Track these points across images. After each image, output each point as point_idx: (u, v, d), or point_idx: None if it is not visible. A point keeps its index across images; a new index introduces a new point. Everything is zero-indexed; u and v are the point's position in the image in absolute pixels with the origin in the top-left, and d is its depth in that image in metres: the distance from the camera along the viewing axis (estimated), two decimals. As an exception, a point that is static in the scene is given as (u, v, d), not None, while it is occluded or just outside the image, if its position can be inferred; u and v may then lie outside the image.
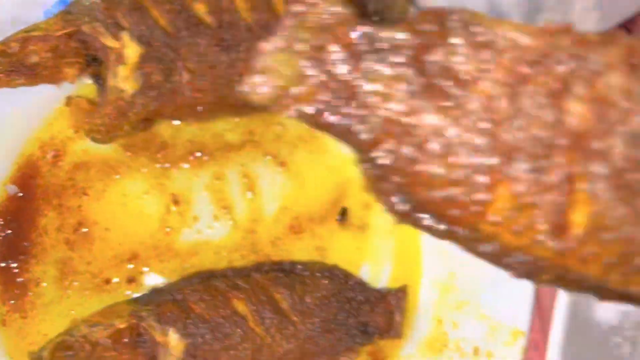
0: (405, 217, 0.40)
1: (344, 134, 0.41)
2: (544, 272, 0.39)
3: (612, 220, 0.37)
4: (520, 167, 0.38)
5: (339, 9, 0.41)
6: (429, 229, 0.40)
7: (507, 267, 0.40)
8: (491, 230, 0.39)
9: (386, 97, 0.40)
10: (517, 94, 0.38)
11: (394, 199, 0.40)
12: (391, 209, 0.40)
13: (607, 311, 0.57)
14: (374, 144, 0.40)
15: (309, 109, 0.40)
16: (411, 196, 0.40)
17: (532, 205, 0.38)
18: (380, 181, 0.40)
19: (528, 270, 0.39)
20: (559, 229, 0.38)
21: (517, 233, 0.39)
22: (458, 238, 0.40)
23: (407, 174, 0.40)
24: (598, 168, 0.37)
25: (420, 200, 0.40)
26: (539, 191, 0.38)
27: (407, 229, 0.65)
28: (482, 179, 0.38)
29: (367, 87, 0.40)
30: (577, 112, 0.37)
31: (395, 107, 0.39)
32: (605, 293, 0.40)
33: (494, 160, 0.38)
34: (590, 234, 0.37)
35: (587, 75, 0.37)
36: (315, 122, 0.40)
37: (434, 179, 0.39)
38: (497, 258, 0.40)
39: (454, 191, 0.39)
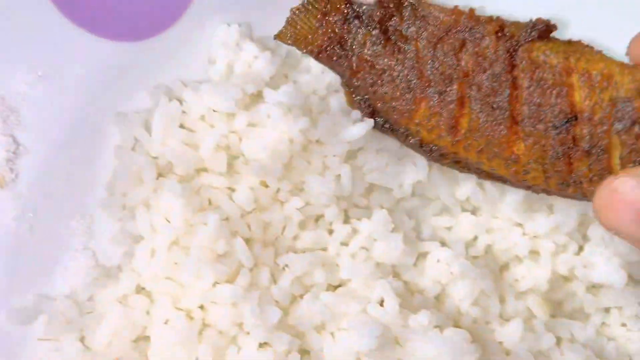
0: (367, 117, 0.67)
1: (336, 66, 0.68)
2: (446, 157, 0.65)
3: (480, 125, 0.63)
4: (433, 91, 0.64)
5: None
6: (380, 127, 0.67)
7: (425, 152, 0.66)
8: (415, 129, 0.65)
9: (361, 45, 0.66)
10: (435, 47, 0.64)
11: (361, 107, 0.67)
12: (361, 112, 0.68)
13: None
14: (354, 73, 0.67)
15: (317, 49, 0.67)
16: (371, 105, 0.67)
17: (439, 113, 0.64)
18: (354, 95, 0.68)
19: (437, 155, 0.66)
20: (453, 128, 0.64)
21: (429, 130, 0.65)
22: (397, 134, 0.67)
23: (369, 92, 0.67)
24: (475, 94, 0.62)
25: (376, 108, 0.67)
26: (443, 105, 0.64)
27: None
28: (410, 96, 0.65)
29: (351, 39, 0.67)
30: (466, 60, 0.63)
31: (366, 52, 0.66)
32: (481, 173, 0.66)
33: (418, 86, 0.64)
34: (469, 132, 0.63)
35: (474, 39, 0.62)
36: (319, 57, 0.68)
37: (385, 96, 0.66)
38: (419, 147, 0.66)
39: (395, 103, 0.66)
